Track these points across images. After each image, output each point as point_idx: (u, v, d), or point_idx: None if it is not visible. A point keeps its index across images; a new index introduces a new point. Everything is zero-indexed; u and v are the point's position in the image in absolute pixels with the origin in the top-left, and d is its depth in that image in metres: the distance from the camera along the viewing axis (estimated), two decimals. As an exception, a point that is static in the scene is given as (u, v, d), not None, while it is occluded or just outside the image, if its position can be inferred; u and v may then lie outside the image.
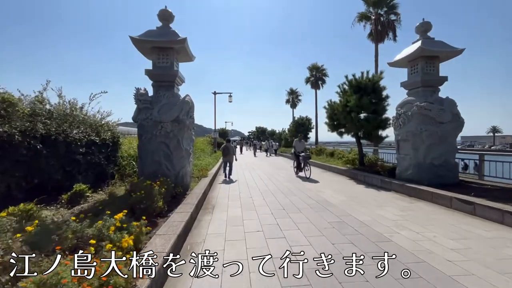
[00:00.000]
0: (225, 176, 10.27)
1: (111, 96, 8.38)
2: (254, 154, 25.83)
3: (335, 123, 11.76)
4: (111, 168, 6.85)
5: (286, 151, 24.57)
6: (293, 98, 43.03)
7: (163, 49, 6.68)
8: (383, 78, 10.56)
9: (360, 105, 10.11)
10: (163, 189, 4.65)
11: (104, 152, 6.44)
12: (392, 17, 17.65)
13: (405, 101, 7.79)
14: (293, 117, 23.21)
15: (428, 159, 7.08)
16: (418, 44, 7.31)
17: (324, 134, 27.74)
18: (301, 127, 21.87)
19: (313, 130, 23.82)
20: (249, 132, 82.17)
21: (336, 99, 11.66)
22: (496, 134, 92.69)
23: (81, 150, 5.41)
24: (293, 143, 11.74)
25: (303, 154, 10.61)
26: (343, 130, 12.01)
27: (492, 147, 68.11)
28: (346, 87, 11.28)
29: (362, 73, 10.70)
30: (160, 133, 6.29)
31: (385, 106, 10.29)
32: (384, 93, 10.51)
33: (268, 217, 4.90)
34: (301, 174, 10.68)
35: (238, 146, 27.30)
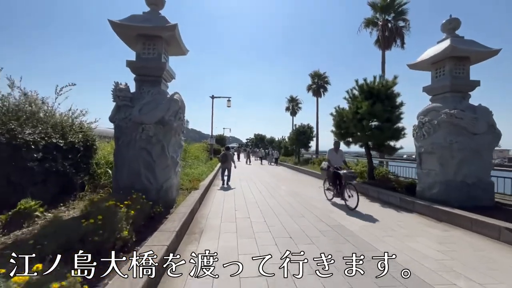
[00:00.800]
0: (223, 183, 10.33)
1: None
2: (247, 161, 25.18)
3: (343, 131, 10.71)
4: (81, 177, 5.67)
5: (285, 160, 23.46)
6: (293, 106, 42.20)
7: (150, 37, 5.63)
8: (397, 84, 9.60)
9: (372, 113, 9.08)
10: (132, 211, 3.49)
11: (71, 158, 5.28)
12: (401, 23, 16.95)
13: (429, 108, 6.76)
14: (294, 125, 22.23)
15: (459, 176, 6.00)
16: (447, 42, 6.33)
17: (324, 143, 26.73)
18: (302, 135, 20.82)
19: (314, 139, 22.72)
20: (247, 139, 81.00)
21: (344, 105, 10.66)
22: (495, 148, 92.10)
23: (35, 155, 4.25)
24: (327, 154, 8.20)
25: (344, 171, 6.79)
26: (350, 139, 10.98)
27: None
28: (356, 92, 10.29)
29: (375, 77, 9.73)
30: (140, 137, 5.17)
31: (400, 114, 9.27)
32: (398, 100, 9.53)
33: (272, 249, 3.74)
34: (337, 200, 7.10)
35: (236, 153, 27.17)
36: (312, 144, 23.04)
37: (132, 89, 5.52)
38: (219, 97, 19.26)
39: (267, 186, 10.28)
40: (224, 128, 52.30)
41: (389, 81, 9.58)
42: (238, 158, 25.30)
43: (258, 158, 31.07)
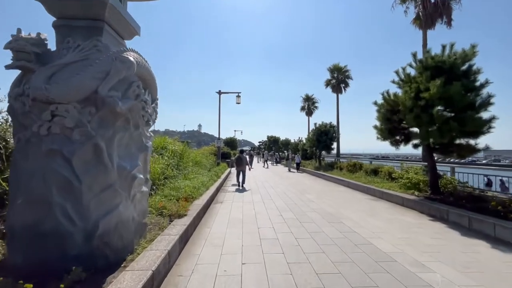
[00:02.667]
0: (239, 185, 10.75)
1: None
2: (264, 164, 25.08)
3: (393, 126, 7.79)
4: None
5: (304, 165, 20.48)
6: (309, 105, 39.12)
7: None
8: (477, 54, 6.61)
9: (445, 96, 6.15)
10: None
11: None
12: (449, -5, 13.73)
13: None
14: (314, 125, 19.21)
15: None
16: None
17: (346, 145, 23.46)
18: (324, 135, 17.83)
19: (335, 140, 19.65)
20: (259, 142, 78.19)
21: (393, 90, 7.76)
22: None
23: None
24: None
25: None
26: (400, 137, 8.05)
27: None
28: (412, 71, 7.38)
29: (444, 47, 6.79)
30: (49, 131, 2.59)
31: (489, 98, 6.26)
32: (481, 78, 6.54)
33: None
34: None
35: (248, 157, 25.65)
36: (333, 145, 19.98)
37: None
38: (227, 93, 16.72)
39: (290, 204, 7.48)
40: (235, 131, 49.92)
41: (466, 50, 6.60)
42: (251, 164, 22.11)
43: (263, 161, 28.08)
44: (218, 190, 9.00)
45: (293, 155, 20.81)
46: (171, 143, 8.95)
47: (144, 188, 3.46)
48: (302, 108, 39.87)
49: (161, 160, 7.07)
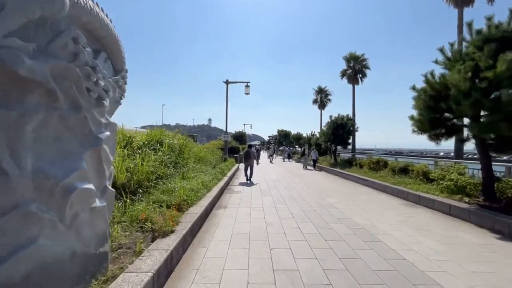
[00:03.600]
0: (247, 179, 10.78)
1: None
2: (271, 160, 24.46)
3: (436, 116, 6.33)
4: None
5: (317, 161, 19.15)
6: (322, 98, 37.29)
7: None
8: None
9: (518, 75, 4.64)
10: None
11: None
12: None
13: None
14: (330, 117, 17.67)
15: None
16: None
17: (361, 139, 21.63)
18: (340, 129, 16.30)
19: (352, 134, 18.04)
20: (269, 137, 76.69)
21: (438, 71, 6.26)
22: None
23: None
24: None
25: None
26: (442, 130, 6.60)
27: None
28: (467, 45, 5.87)
29: (513, 11, 5.23)
30: None
31: None
32: None
33: None
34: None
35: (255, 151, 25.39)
36: (349, 140, 18.38)
37: None
38: (235, 82, 15.41)
39: (309, 211, 6.23)
40: (244, 125, 48.68)
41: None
42: (258, 159, 20.81)
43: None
44: (222, 190, 7.82)
45: (308, 150, 19.25)
46: (169, 136, 7.81)
47: (98, 203, 2.27)
48: (315, 101, 38.11)
49: (153, 157, 5.92)
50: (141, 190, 4.87)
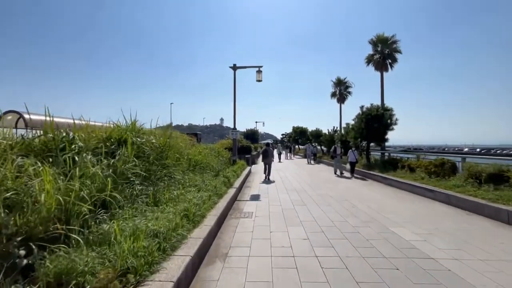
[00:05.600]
0: (265, 178, 11.24)
1: None
2: (287, 156, 23.46)
3: None
4: None
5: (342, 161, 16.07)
6: (341, 90, 33.69)
7: None
8: None
9: None
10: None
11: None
12: None
13: None
14: (360, 108, 14.59)
15: None
16: None
17: (391, 134, 17.75)
18: (376, 122, 13.16)
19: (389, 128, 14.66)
20: (282, 135, 73.21)
21: None
22: None
23: None
24: None
25: None
26: None
27: None
28: None
29: None
30: None
31: None
32: None
33: None
34: None
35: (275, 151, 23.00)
36: (391, 136, 15.03)
37: None
38: (244, 67, 12.50)
39: (382, 268, 3.35)
40: (256, 122, 45.80)
41: None
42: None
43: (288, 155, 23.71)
44: (223, 217, 5.07)
45: (342, 150, 15.70)
46: (143, 134, 5.14)
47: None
48: (333, 95, 34.61)
49: (92, 169, 3.23)
50: (34, 247, 2.20)
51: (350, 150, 12.71)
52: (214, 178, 6.94)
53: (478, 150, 46.22)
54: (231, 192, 6.57)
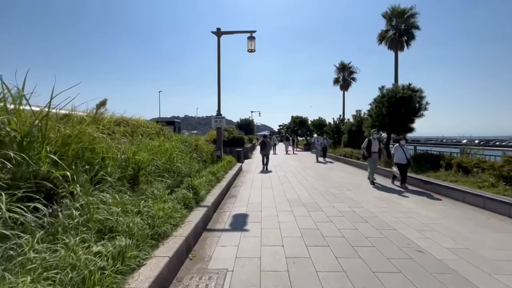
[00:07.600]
0: (264, 169, 11.39)
1: None
2: (290, 150, 22.35)
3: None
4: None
5: (350, 154, 13.30)
6: (345, 76, 30.65)
7: None
8: None
9: None
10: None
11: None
12: None
13: None
14: (380, 90, 11.59)
15: None
16: None
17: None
18: (402, 106, 10.26)
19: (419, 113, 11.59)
20: (279, 126, 69.11)
21: None
22: None
23: None
24: None
25: None
26: None
27: None
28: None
29: None
30: None
31: None
32: None
33: None
34: None
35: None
36: (420, 124, 11.91)
37: None
38: (232, 33, 9.33)
39: None
40: (252, 112, 42.60)
41: None
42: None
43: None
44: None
45: (381, 145, 10.54)
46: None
47: None
48: (336, 81, 31.56)
49: None
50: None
51: (397, 144, 7.89)
52: (167, 193, 4.01)
53: (476, 141, 43.70)
54: (187, 226, 3.61)
